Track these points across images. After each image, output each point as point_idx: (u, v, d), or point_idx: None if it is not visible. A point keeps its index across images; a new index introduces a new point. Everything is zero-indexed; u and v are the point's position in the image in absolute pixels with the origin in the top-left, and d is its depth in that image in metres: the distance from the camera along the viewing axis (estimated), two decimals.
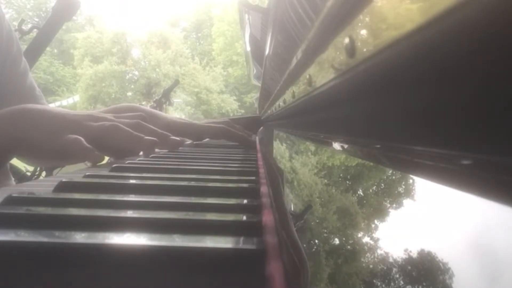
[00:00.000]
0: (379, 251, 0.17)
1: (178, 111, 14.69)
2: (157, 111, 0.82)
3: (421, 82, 0.14)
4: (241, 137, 0.80)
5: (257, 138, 0.98)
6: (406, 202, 0.18)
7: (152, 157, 0.51)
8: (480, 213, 0.11)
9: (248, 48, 1.41)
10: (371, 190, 0.24)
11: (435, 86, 0.14)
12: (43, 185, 0.31)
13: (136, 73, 17.24)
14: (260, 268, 0.15)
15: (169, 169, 0.40)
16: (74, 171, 0.41)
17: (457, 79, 0.12)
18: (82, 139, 0.48)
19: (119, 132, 0.51)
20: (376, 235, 0.19)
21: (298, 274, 0.16)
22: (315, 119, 0.40)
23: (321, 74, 0.26)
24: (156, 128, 0.59)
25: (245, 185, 0.30)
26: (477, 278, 0.11)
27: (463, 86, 0.12)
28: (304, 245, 0.25)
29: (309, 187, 0.37)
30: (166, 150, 0.60)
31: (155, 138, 0.54)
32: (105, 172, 0.37)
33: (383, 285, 0.15)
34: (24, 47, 1.67)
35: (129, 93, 16.94)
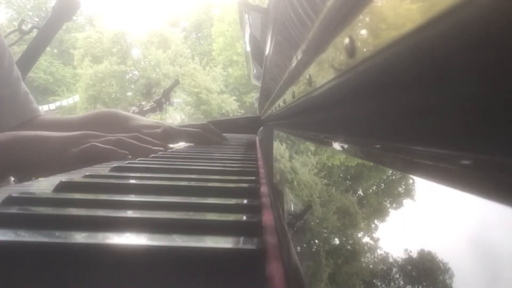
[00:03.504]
0: (379, 251, 0.17)
1: (178, 111, 14.67)
2: (129, 115, 0.91)
3: (421, 82, 0.14)
4: (216, 142, 0.89)
5: (257, 138, 0.98)
6: (406, 202, 0.18)
7: (152, 157, 0.51)
8: (480, 213, 0.11)
9: (248, 48, 1.41)
10: (371, 190, 0.24)
11: (435, 86, 0.14)
12: (43, 185, 0.31)
13: (136, 73, 17.22)
14: (260, 268, 0.15)
15: (169, 169, 0.39)
16: (74, 171, 0.41)
17: (457, 79, 0.12)
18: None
19: (98, 147, 0.59)
20: (376, 235, 0.19)
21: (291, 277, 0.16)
22: (315, 119, 0.40)
23: (321, 74, 0.26)
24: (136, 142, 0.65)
25: (245, 185, 0.30)
26: (477, 278, 0.11)
27: (463, 86, 0.12)
28: (304, 245, 0.25)
29: (309, 187, 0.37)
30: (167, 150, 0.60)
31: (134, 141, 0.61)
32: (104, 172, 0.37)
33: (383, 285, 0.15)
34: (24, 47, 1.67)
35: (129, 93, 16.93)
